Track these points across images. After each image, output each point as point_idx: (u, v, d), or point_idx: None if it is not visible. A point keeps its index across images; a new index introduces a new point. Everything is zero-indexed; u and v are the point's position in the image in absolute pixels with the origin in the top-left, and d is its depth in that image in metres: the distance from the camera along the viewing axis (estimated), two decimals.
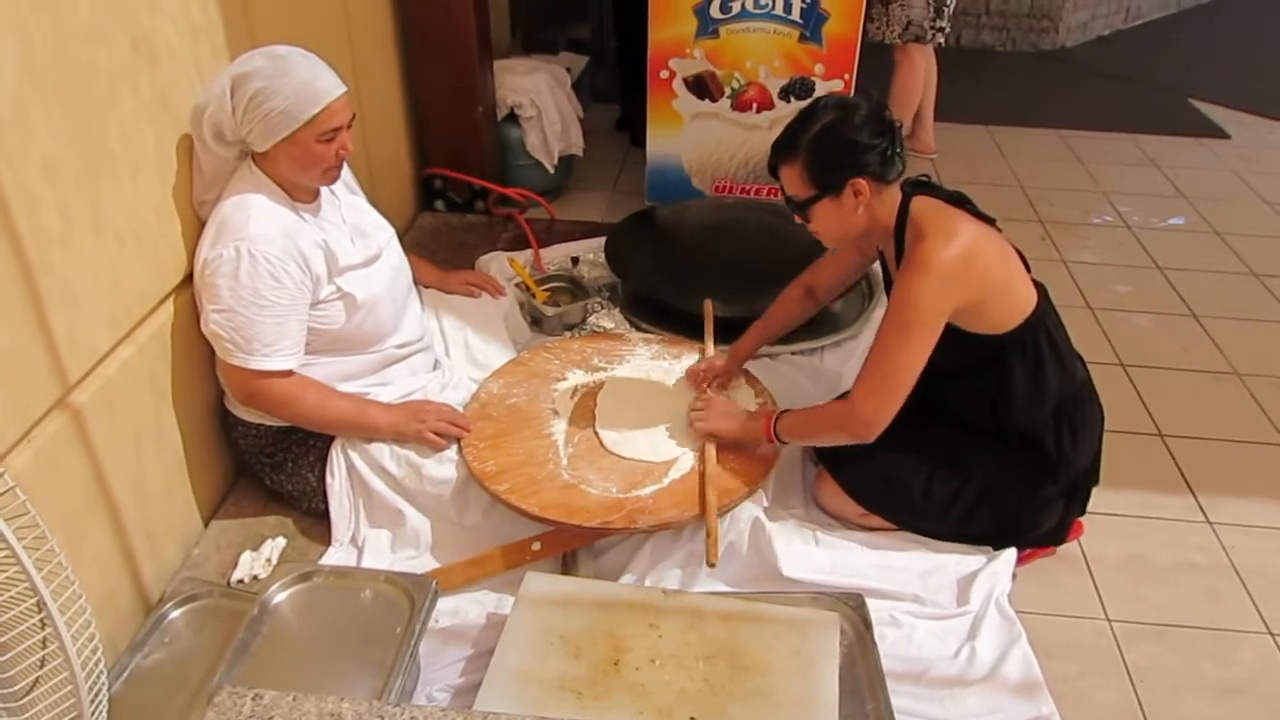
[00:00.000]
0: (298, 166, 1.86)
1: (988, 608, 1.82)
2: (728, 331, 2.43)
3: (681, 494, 1.89)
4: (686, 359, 2.35)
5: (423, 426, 1.98)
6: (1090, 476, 2.00)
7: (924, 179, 1.89)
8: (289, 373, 1.88)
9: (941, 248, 1.68)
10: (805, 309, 2.23)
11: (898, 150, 1.75)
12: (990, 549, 1.96)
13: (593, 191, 3.76)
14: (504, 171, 3.54)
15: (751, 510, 1.92)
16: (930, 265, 1.68)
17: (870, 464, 1.95)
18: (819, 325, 2.57)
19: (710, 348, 2.36)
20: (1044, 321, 1.84)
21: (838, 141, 1.73)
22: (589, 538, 1.85)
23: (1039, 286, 1.89)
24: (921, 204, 1.80)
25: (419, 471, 1.98)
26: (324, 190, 1.98)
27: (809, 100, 3.15)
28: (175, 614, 1.75)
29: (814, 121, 1.75)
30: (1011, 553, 1.93)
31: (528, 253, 3.09)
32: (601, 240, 3.03)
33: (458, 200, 3.45)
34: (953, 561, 1.91)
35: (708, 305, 2.51)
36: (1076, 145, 4.75)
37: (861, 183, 1.75)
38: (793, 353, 2.56)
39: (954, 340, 1.76)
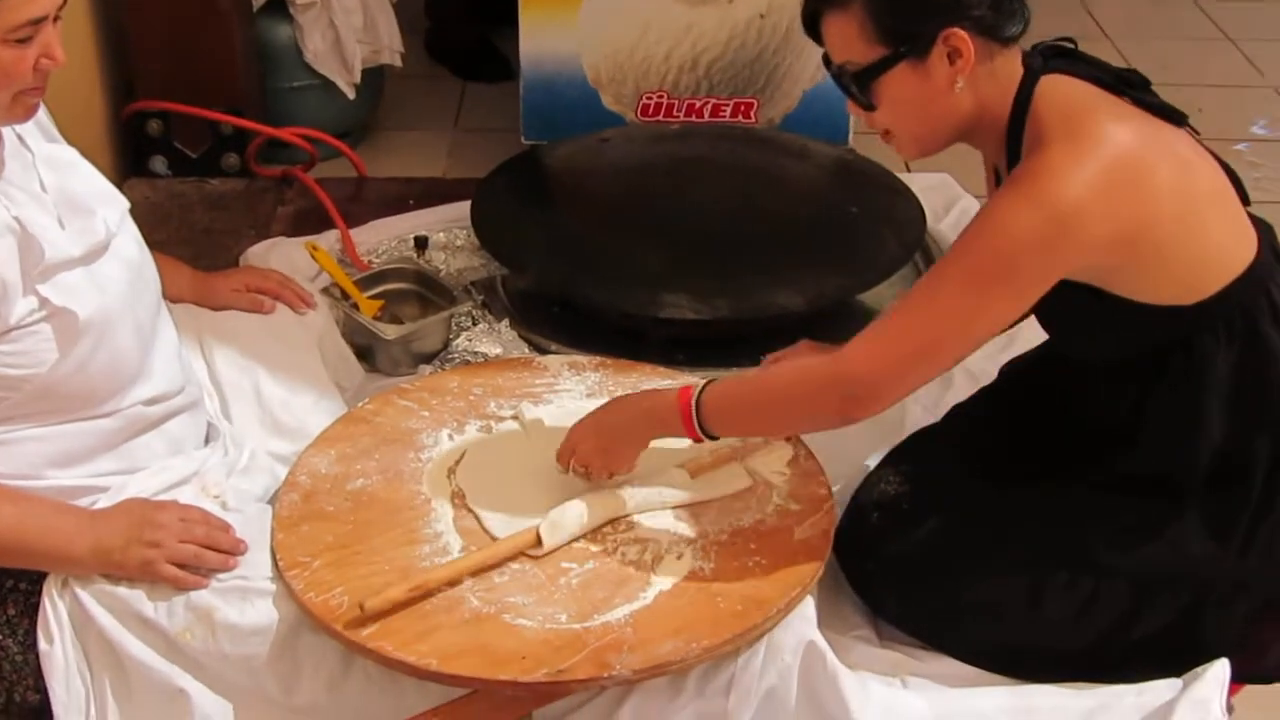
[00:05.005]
0: None
1: None
2: (693, 348, 1.87)
3: (680, 611, 1.41)
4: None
5: (155, 553, 1.45)
6: None
7: (1066, 42, 1.44)
8: None
9: (1068, 166, 1.27)
10: None
11: None
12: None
13: (422, 129, 2.92)
14: (268, 99, 2.72)
15: (801, 632, 1.42)
16: (1042, 191, 1.28)
17: (918, 568, 1.49)
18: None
19: None
20: (1265, 282, 1.39)
21: None
22: (525, 704, 1.41)
23: (1259, 226, 1.44)
24: (1054, 87, 1.37)
25: (209, 619, 1.46)
26: (7, 136, 1.47)
27: None
28: None
29: None
30: (1222, 668, 1.46)
31: (332, 235, 2.27)
32: (463, 207, 2.27)
33: (190, 154, 2.62)
34: (1130, 693, 1.46)
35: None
36: (1223, 18, 3.86)
37: (961, 35, 1.32)
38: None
39: (1111, 317, 1.35)
